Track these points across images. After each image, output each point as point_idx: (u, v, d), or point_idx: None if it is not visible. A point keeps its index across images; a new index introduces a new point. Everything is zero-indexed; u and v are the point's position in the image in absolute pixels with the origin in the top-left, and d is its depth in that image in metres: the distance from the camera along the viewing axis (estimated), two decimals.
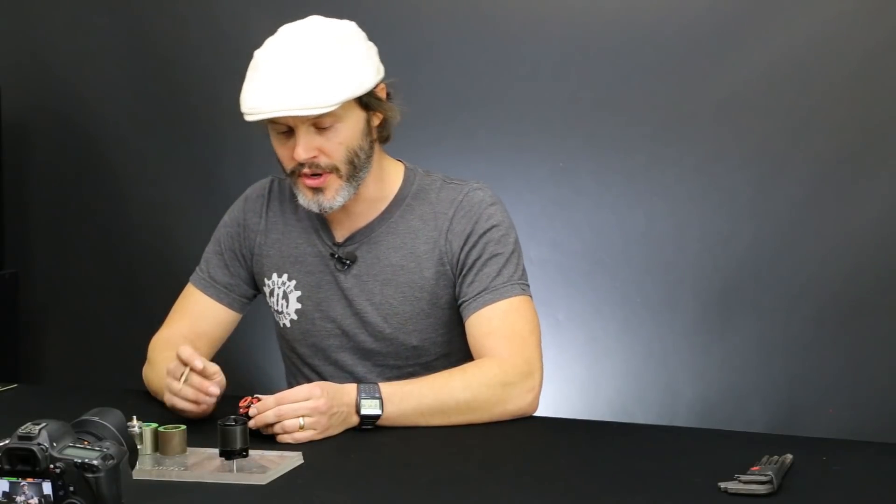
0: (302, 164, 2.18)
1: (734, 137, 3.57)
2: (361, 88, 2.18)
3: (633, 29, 3.60)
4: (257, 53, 2.22)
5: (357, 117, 2.21)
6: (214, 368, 2.08)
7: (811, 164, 3.52)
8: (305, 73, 2.13)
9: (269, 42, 2.22)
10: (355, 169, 2.21)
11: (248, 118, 2.18)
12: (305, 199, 2.23)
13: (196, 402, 2.07)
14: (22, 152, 4.09)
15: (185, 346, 2.09)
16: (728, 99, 3.56)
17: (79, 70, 4.04)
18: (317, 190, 2.20)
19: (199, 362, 2.06)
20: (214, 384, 2.06)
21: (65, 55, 4.05)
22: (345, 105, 2.16)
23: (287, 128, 2.18)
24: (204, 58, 3.94)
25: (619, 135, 3.65)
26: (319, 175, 2.19)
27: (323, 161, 2.18)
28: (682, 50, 3.58)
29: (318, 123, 2.16)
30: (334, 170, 2.19)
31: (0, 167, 3.92)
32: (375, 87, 2.21)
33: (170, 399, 2.09)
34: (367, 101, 2.21)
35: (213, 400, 2.07)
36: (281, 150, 2.21)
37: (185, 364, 2.06)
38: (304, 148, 2.16)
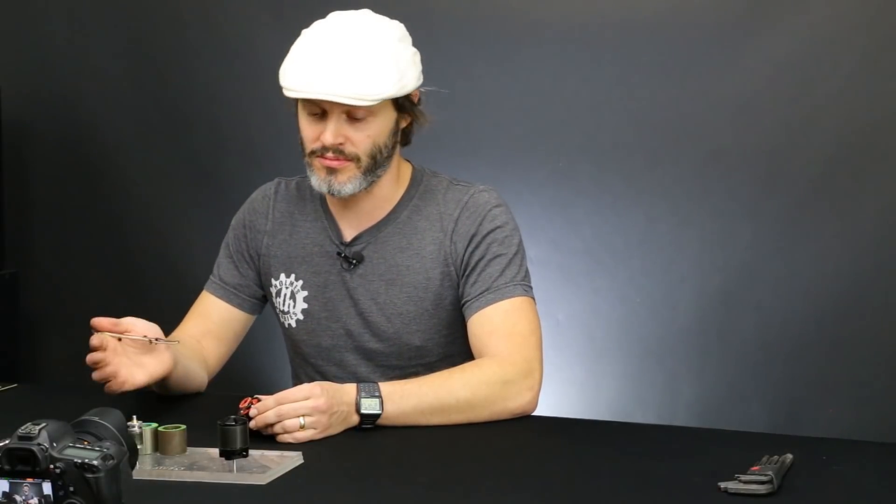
0: (325, 148, 2.19)
1: (734, 137, 3.58)
2: (402, 91, 2.20)
3: (633, 29, 3.61)
4: (306, 32, 2.23)
5: (389, 116, 2.23)
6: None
7: (811, 164, 3.52)
8: (353, 63, 2.15)
9: (320, 24, 2.23)
10: (374, 164, 2.23)
11: (287, 93, 2.20)
12: (318, 180, 2.23)
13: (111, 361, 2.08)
14: (22, 152, 4.09)
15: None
16: (728, 99, 3.56)
17: (79, 70, 4.04)
18: (331, 171, 2.21)
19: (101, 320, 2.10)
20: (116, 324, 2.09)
21: (65, 55, 4.05)
22: (381, 102, 2.19)
23: (320, 110, 2.19)
24: (205, 58, 3.94)
25: (618, 135, 3.66)
26: (339, 159, 2.20)
27: (347, 149, 2.20)
28: (683, 50, 3.58)
29: (352, 113, 2.18)
30: (355, 159, 2.21)
31: (0, 167, 3.92)
32: (413, 92, 2.25)
33: (100, 375, 2.09)
34: (401, 104, 2.24)
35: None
36: (307, 130, 2.22)
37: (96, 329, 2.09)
38: (333, 133, 2.18)
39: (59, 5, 4.05)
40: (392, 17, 2.27)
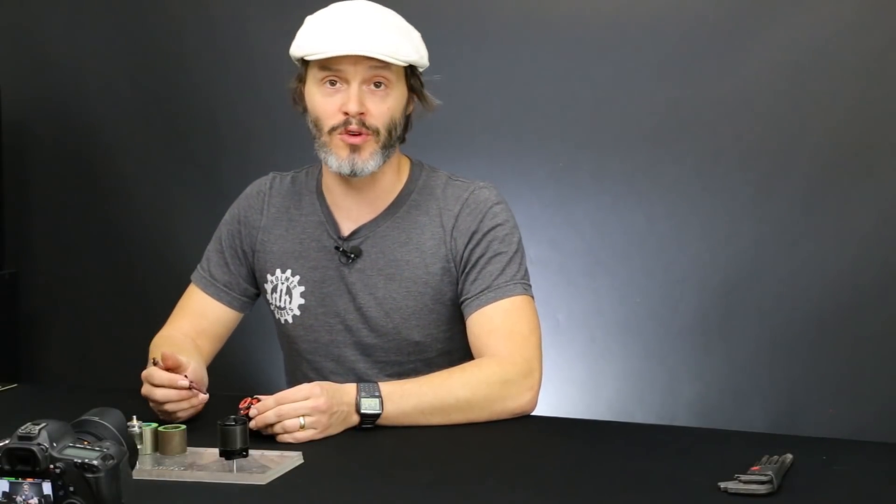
0: (347, 121, 2.19)
1: (734, 137, 3.58)
2: (422, 61, 2.24)
3: (633, 29, 3.61)
4: (316, 14, 2.23)
5: (403, 91, 2.24)
6: (180, 361, 2.09)
7: (811, 164, 3.52)
8: (379, 26, 2.18)
9: (328, 7, 2.24)
10: (390, 139, 2.23)
11: (315, 57, 2.18)
12: (338, 160, 2.22)
13: (176, 403, 2.07)
14: (22, 152, 4.09)
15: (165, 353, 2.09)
16: (728, 99, 3.56)
17: (79, 70, 4.04)
18: (353, 149, 2.20)
19: (165, 359, 2.07)
20: (181, 378, 2.06)
21: (65, 55, 4.05)
22: (399, 74, 2.21)
23: (338, 81, 2.19)
24: (203, 57, 3.95)
25: (619, 135, 3.66)
26: (361, 133, 2.20)
27: (368, 121, 2.20)
28: (683, 50, 3.58)
29: (374, 81, 2.19)
30: (375, 132, 2.21)
31: (0, 167, 3.93)
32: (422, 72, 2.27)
33: (155, 407, 2.10)
34: (412, 84, 2.26)
35: (187, 394, 2.06)
36: (325, 104, 2.21)
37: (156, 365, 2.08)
38: (357, 102, 2.18)
39: (59, 5, 4.05)
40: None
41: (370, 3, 2.25)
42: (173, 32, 3.97)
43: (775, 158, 3.55)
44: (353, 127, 2.19)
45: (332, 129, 2.21)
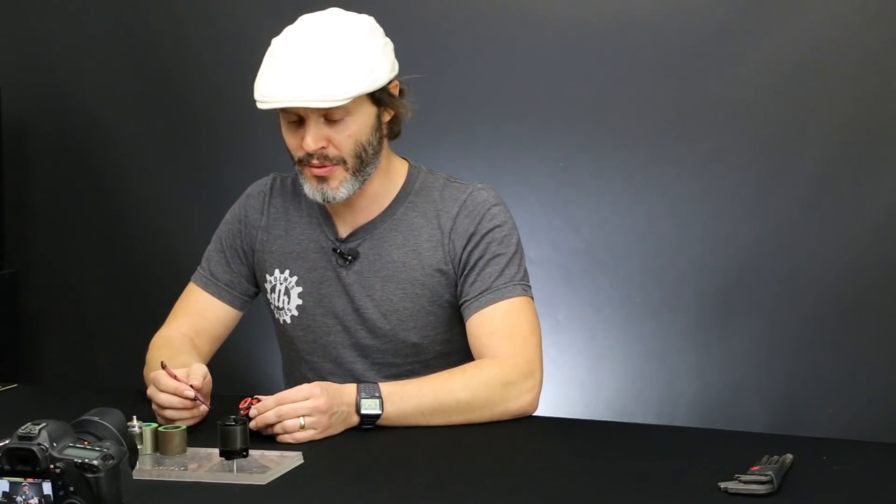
0: (310, 154, 2.19)
1: (734, 137, 3.58)
2: (374, 84, 2.19)
3: (633, 29, 3.61)
4: (275, 41, 2.23)
5: (368, 112, 2.22)
6: (189, 372, 2.08)
7: (811, 164, 3.52)
8: (320, 65, 2.15)
9: (288, 31, 2.23)
10: (362, 163, 2.22)
11: (260, 106, 2.21)
12: (310, 189, 2.23)
13: (179, 410, 2.06)
14: (22, 152, 4.09)
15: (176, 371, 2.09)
16: (728, 99, 3.56)
17: (79, 70, 4.04)
18: (322, 179, 2.21)
19: (180, 373, 2.07)
20: (188, 388, 2.05)
21: (65, 55, 4.05)
22: (356, 99, 2.18)
23: (298, 117, 2.19)
24: (204, 57, 3.94)
25: (619, 135, 3.66)
26: (326, 166, 2.20)
27: (331, 152, 2.20)
28: (682, 50, 3.58)
29: (329, 115, 2.18)
30: (341, 162, 2.21)
31: (0, 167, 3.92)
32: (389, 84, 2.23)
33: (157, 410, 2.10)
34: (379, 97, 2.22)
35: (190, 404, 2.05)
36: (290, 139, 2.23)
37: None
38: (314, 138, 2.18)
39: (59, 5, 4.05)
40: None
41: (322, 26, 2.20)
42: (174, 31, 3.96)
43: (775, 158, 3.55)
44: (316, 161, 2.20)
45: (300, 161, 2.22)
